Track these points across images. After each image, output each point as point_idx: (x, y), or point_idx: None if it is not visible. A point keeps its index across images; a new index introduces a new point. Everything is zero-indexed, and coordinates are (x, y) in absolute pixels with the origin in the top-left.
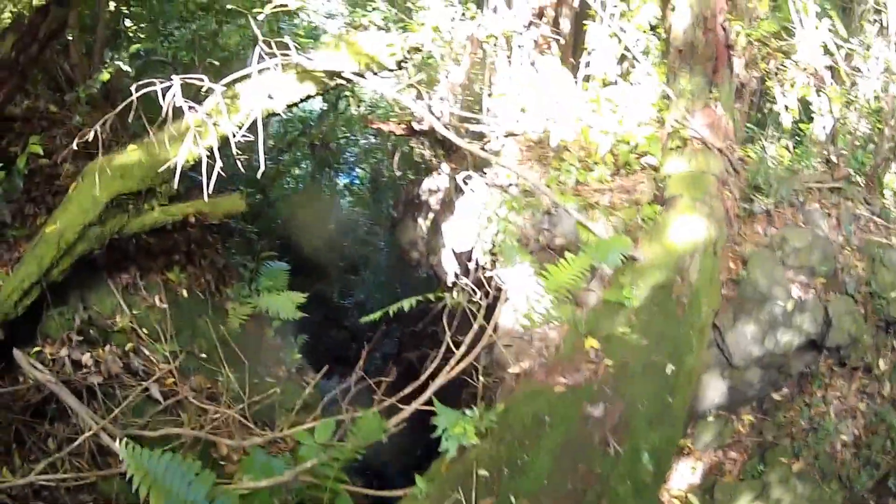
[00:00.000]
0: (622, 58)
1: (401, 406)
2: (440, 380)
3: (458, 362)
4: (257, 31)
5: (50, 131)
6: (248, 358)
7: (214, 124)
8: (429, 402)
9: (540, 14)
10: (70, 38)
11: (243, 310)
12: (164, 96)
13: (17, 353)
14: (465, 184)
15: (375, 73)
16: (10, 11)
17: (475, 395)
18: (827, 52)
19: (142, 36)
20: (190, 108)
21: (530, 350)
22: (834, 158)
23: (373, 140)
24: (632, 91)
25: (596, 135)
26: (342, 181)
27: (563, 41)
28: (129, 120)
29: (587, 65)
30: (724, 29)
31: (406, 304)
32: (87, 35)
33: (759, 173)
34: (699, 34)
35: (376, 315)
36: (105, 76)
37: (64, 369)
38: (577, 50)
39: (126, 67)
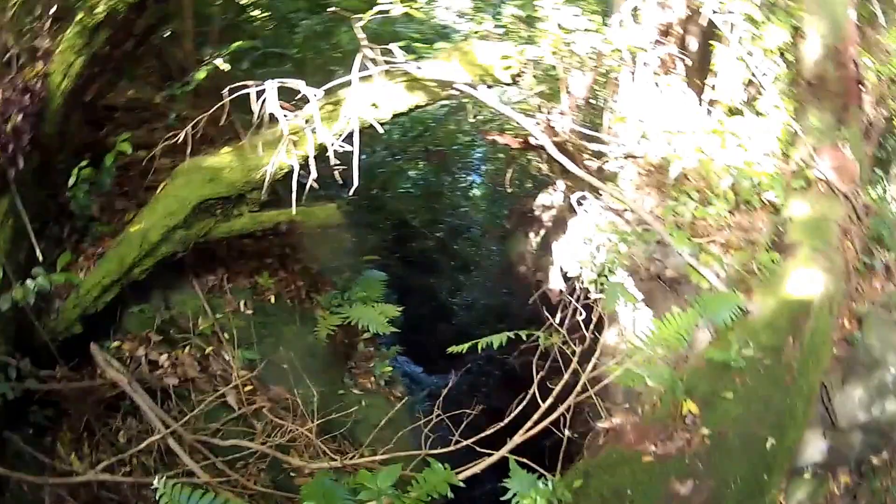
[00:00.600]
0: (748, 82)
1: (479, 450)
2: (518, 438)
3: (540, 419)
4: (361, 35)
5: (151, 123)
6: (336, 369)
7: (312, 131)
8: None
9: (667, 32)
10: (182, 28)
11: (332, 319)
12: (258, 98)
13: (94, 348)
14: (580, 204)
15: (489, 86)
16: (106, 4)
17: (560, 443)
18: None
19: (262, 27)
20: (285, 114)
21: (628, 398)
22: None
23: (492, 146)
24: (757, 123)
25: (717, 168)
26: (460, 184)
27: (689, 61)
28: (230, 119)
29: (713, 88)
30: (856, 63)
31: (496, 340)
32: (205, 24)
33: (883, 223)
34: (830, 67)
35: (463, 347)
36: (202, 74)
37: (140, 368)
38: (704, 71)
39: (224, 65)
